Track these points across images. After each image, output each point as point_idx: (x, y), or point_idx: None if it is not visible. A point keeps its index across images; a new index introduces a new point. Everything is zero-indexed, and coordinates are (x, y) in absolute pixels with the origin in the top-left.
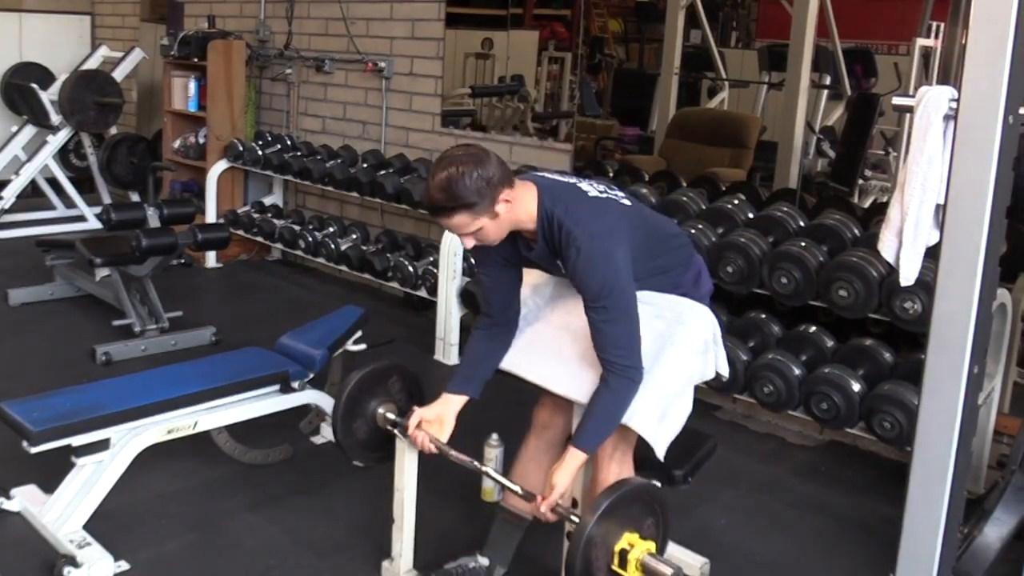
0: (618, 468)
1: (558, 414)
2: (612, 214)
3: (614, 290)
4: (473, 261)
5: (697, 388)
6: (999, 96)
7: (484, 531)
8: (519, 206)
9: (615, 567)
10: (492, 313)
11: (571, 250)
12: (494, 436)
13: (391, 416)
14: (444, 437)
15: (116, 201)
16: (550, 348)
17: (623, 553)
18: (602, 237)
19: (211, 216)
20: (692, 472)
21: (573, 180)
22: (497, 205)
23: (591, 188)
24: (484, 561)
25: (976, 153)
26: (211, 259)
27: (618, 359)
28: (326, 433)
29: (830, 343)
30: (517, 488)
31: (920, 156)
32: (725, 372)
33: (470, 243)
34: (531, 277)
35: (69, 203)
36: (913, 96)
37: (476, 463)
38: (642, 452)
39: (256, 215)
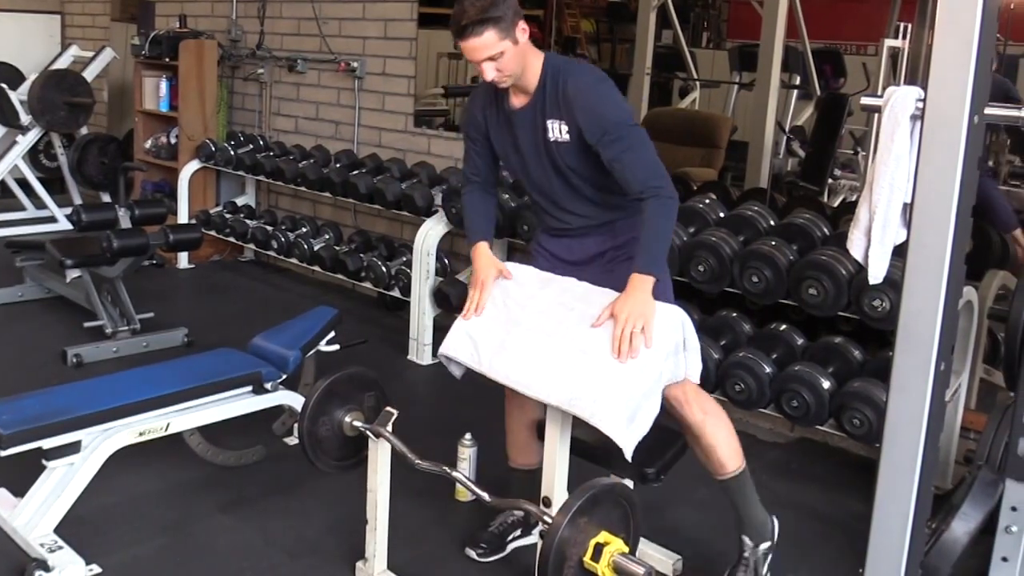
0: (700, 408)
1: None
2: None
3: (628, 118)
4: (465, 138)
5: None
6: (964, 96)
7: (459, 529)
8: (530, 53)
9: (588, 565)
10: (479, 175)
11: (578, 92)
12: (467, 436)
13: (358, 424)
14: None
15: (87, 202)
16: (523, 350)
17: (595, 552)
18: (608, 81)
19: (183, 217)
20: (664, 470)
21: None
22: (517, 31)
23: None
24: (519, 512)
25: (942, 152)
26: (183, 260)
27: (652, 184)
28: None
29: (800, 341)
30: (484, 495)
31: (888, 155)
32: (696, 377)
33: (491, 73)
34: (504, 287)
35: (39, 204)
36: (881, 96)
37: (446, 468)
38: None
39: (228, 215)
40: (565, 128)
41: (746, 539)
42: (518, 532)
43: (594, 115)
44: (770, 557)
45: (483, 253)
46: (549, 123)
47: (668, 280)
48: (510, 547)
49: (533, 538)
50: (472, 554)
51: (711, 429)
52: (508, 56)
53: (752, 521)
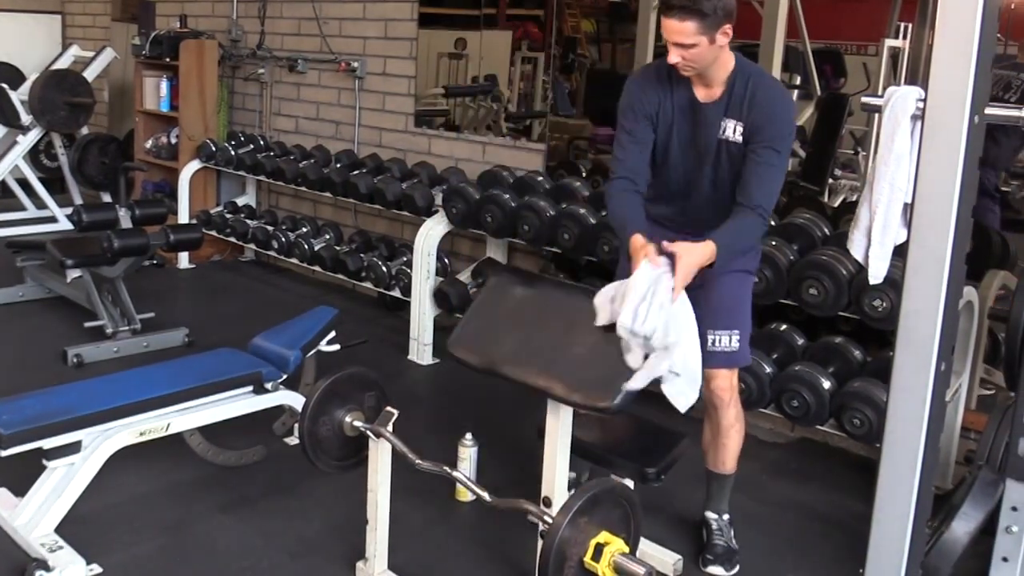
0: (736, 411)
1: None
2: None
3: (790, 138)
4: (622, 121)
5: None
6: (965, 96)
7: (459, 529)
8: (724, 52)
9: (588, 565)
10: (633, 172)
11: (769, 99)
12: (468, 436)
13: (359, 424)
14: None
15: (87, 202)
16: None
17: (596, 552)
18: (790, 97)
19: (183, 217)
20: (665, 470)
21: None
22: (719, 32)
23: None
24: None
25: (943, 152)
26: (184, 260)
27: (763, 204)
28: None
29: (801, 341)
30: (485, 495)
31: (888, 155)
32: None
33: (676, 57)
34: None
35: (40, 204)
36: (881, 96)
37: (446, 468)
38: (614, 448)
39: (229, 215)
40: (740, 128)
41: (710, 513)
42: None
43: (773, 123)
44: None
45: (639, 243)
46: (724, 122)
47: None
48: None
49: None
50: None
51: (734, 433)
52: (699, 50)
53: (718, 505)
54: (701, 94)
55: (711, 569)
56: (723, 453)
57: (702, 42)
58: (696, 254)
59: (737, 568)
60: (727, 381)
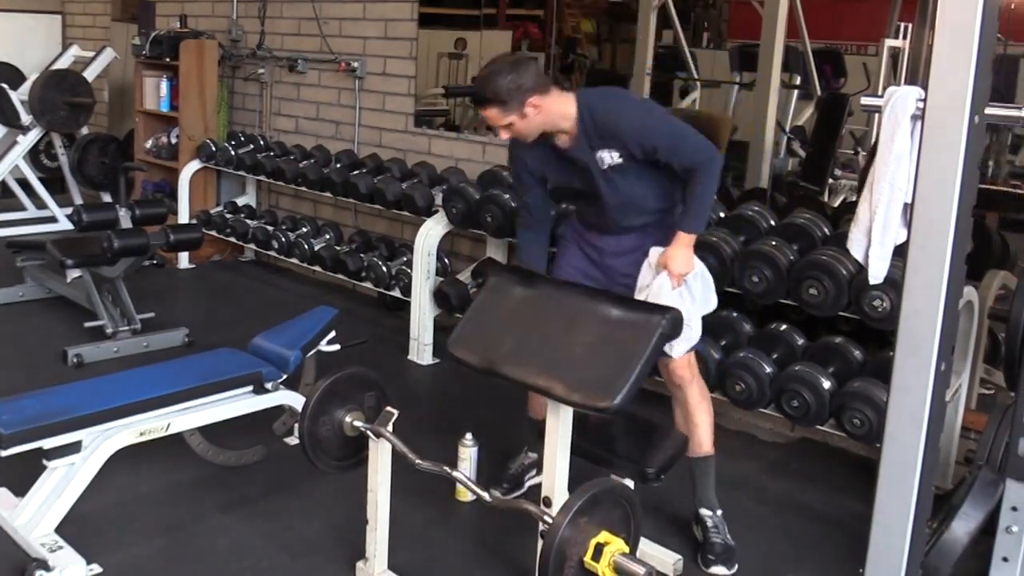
0: (699, 391)
1: None
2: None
3: (652, 119)
4: (513, 177)
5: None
6: (965, 96)
7: (459, 529)
8: (554, 109)
9: (588, 565)
10: (535, 214)
11: (608, 119)
12: (468, 436)
13: (359, 424)
14: None
15: (87, 202)
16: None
17: (596, 552)
18: (626, 96)
19: (184, 217)
20: (664, 470)
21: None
22: (525, 108)
23: None
24: (534, 455)
25: (943, 152)
26: (184, 260)
27: (699, 156)
28: None
29: (801, 341)
30: (485, 495)
31: (888, 155)
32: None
33: (504, 135)
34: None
35: (40, 204)
36: (881, 96)
37: (446, 468)
38: (610, 451)
39: (229, 215)
40: (616, 154)
41: (704, 511)
42: (533, 472)
43: (638, 134)
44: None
45: None
46: (599, 155)
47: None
48: (527, 485)
49: None
50: (497, 493)
51: (702, 412)
52: (519, 125)
53: (708, 497)
54: (563, 142)
55: (714, 569)
56: (697, 433)
57: (513, 120)
58: (677, 252)
59: (736, 566)
60: (684, 361)
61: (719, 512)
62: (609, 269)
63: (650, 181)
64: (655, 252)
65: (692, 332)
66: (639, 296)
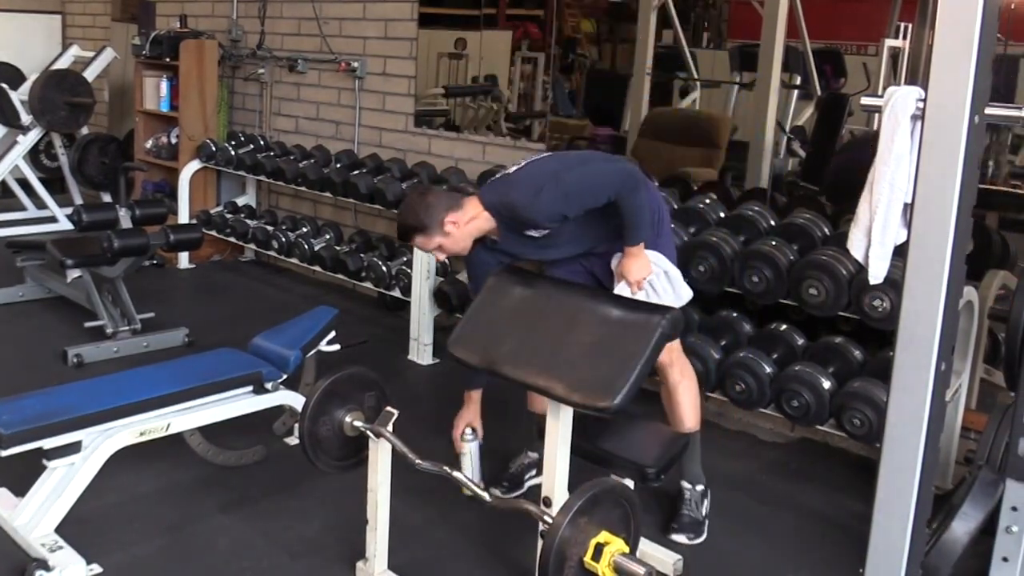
0: (680, 370)
1: None
2: (531, 167)
3: (558, 184)
4: (471, 283)
5: None
6: (965, 96)
7: (459, 529)
8: (473, 220)
9: (588, 565)
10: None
11: (516, 212)
12: (468, 430)
13: (359, 424)
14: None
15: (87, 202)
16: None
17: (596, 552)
18: (535, 188)
19: (184, 217)
20: (664, 470)
21: (503, 171)
22: (445, 227)
23: (514, 166)
24: (534, 455)
25: (943, 152)
26: (184, 260)
27: (611, 190)
28: None
29: (801, 341)
30: (485, 495)
31: (888, 155)
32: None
33: (440, 256)
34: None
35: (40, 204)
36: (881, 96)
37: (446, 468)
38: (611, 450)
39: (229, 215)
40: (540, 231)
41: (685, 483)
42: (533, 472)
43: (538, 216)
44: (707, 499)
45: (472, 402)
46: (529, 233)
47: (670, 244)
48: (527, 485)
49: None
50: (497, 492)
51: (683, 390)
52: (446, 243)
53: (692, 473)
54: (497, 236)
55: (674, 537)
56: (679, 411)
57: (440, 241)
58: (630, 262)
59: (704, 537)
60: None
61: (700, 487)
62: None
63: (593, 223)
64: (616, 260)
65: None
66: None
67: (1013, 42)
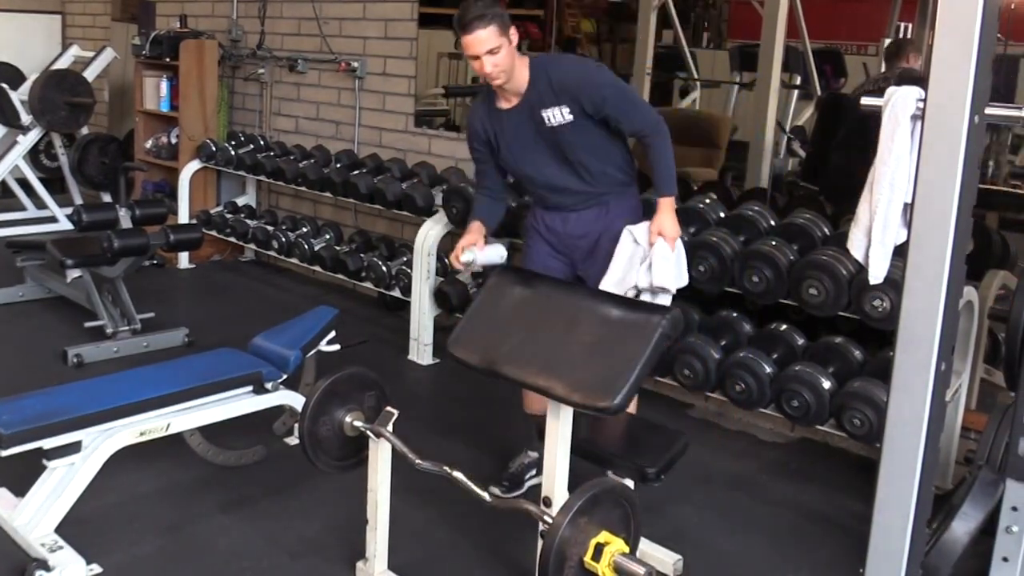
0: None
1: None
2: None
3: (611, 79)
4: (470, 150)
5: (670, 387)
6: (965, 96)
7: (459, 529)
8: (518, 57)
9: (588, 565)
10: (488, 185)
11: (568, 75)
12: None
13: (359, 424)
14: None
15: (87, 202)
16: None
17: (596, 552)
18: (585, 59)
19: (184, 217)
20: (665, 470)
21: None
22: (511, 32)
23: None
24: (534, 454)
25: (943, 152)
26: (184, 260)
27: (651, 121)
28: None
29: (801, 341)
30: (484, 494)
31: (888, 155)
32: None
33: (489, 66)
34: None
35: (40, 204)
36: (882, 96)
37: (446, 468)
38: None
39: (229, 215)
40: (566, 110)
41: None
42: (533, 472)
43: (590, 88)
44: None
45: (475, 225)
46: (545, 113)
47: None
48: (527, 485)
49: None
50: (496, 491)
51: None
52: (504, 52)
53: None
54: (508, 104)
55: (492, 488)
56: None
57: (504, 43)
58: (665, 219)
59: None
60: None
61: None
62: (571, 252)
63: (600, 141)
64: (636, 229)
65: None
66: (619, 289)
67: (1013, 42)
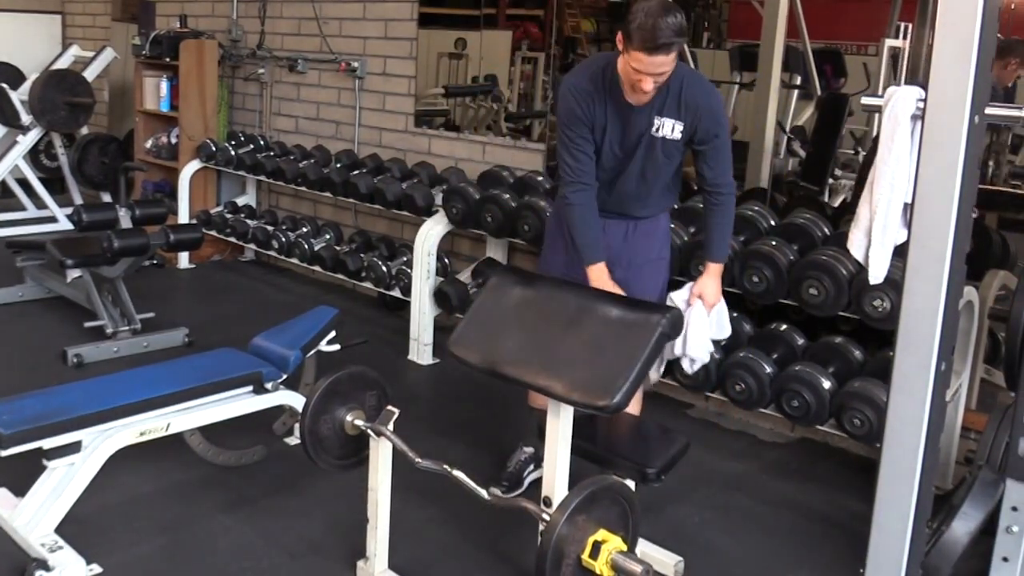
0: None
1: None
2: None
3: (726, 121)
4: (565, 129)
5: (670, 387)
6: (965, 96)
7: (459, 528)
8: None
9: (586, 563)
10: (588, 176)
11: (700, 98)
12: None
13: (360, 423)
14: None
15: (87, 202)
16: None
17: (593, 549)
18: (716, 90)
19: (184, 216)
20: (665, 470)
21: None
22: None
23: None
24: (530, 449)
25: (943, 152)
26: (184, 260)
27: (728, 180)
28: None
29: (801, 341)
30: (484, 493)
31: (888, 155)
32: None
33: (651, 85)
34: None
35: (40, 204)
36: (882, 96)
37: (446, 467)
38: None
39: (229, 215)
40: (680, 127)
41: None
42: (532, 467)
43: (714, 120)
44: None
45: (603, 276)
46: (659, 120)
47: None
48: (527, 482)
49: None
50: (497, 492)
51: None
52: (668, 73)
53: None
54: (636, 100)
55: (492, 488)
56: None
57: (673, 64)
58: (709, 283)
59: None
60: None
61: (529, 449)
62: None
63: (677, 168)
64: (677, 295)
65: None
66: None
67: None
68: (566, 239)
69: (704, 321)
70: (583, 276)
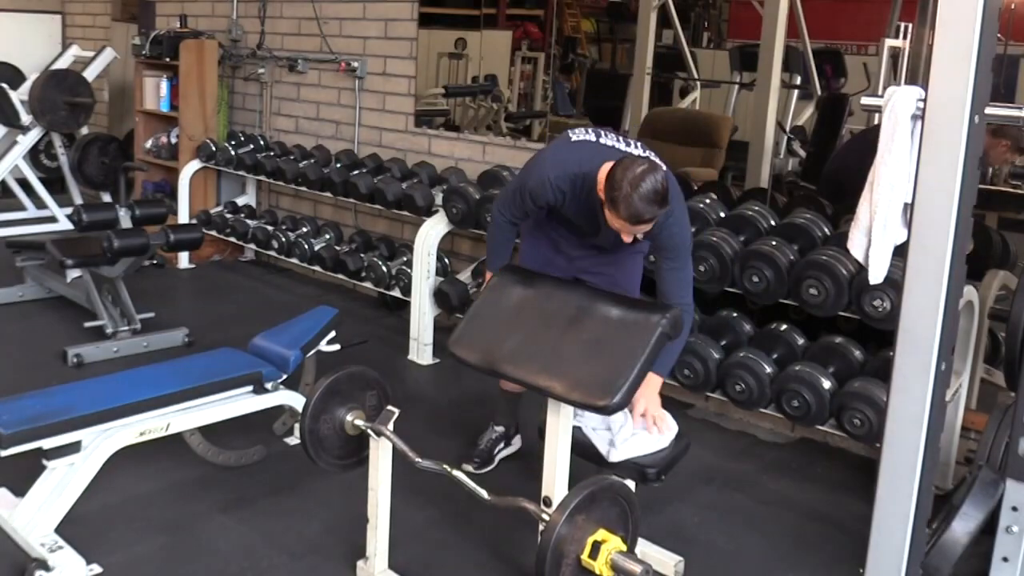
0: None
1: None
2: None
3: (690, 243)
4: (521, 198)
5: (670, 387)
6: (965, 96)
7: (459, 528)
8: None
9: (585, 563)
10: (517, 219)
11: (666, 221)
12: None
13: (360, 422)
14: None
15: (87, 202)
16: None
17: (593, 549)
18: (684, 205)
19: (184, 216)
20: (665, 470)
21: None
22: None
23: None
24: (500, 428)
25: (943, 152)
26: (184, 260)
27: (685, 301)
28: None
29: (801, 341)
30: (483, 492)
31: (888, 155)
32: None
33: (630, 237)
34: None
35: (40, 204)
36: (882, 96)
37: (446, 467)
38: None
39: (229, 215)
40: (642, 236)
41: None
42: (502, 445)
43: (673, 241)
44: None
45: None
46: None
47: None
48: (497, 459)
49: (513, 447)
50: (469, 468)
51: None
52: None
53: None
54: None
55: (464, 466)
56: None
57: None
58: (647, 395)
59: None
60: None
61: (500, 429)
62: (574, 263)
63: (630, 266)
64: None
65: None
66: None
67: (1013, 42)
68: (550, 239)
69: (644, 434)
70: (565, 264)
